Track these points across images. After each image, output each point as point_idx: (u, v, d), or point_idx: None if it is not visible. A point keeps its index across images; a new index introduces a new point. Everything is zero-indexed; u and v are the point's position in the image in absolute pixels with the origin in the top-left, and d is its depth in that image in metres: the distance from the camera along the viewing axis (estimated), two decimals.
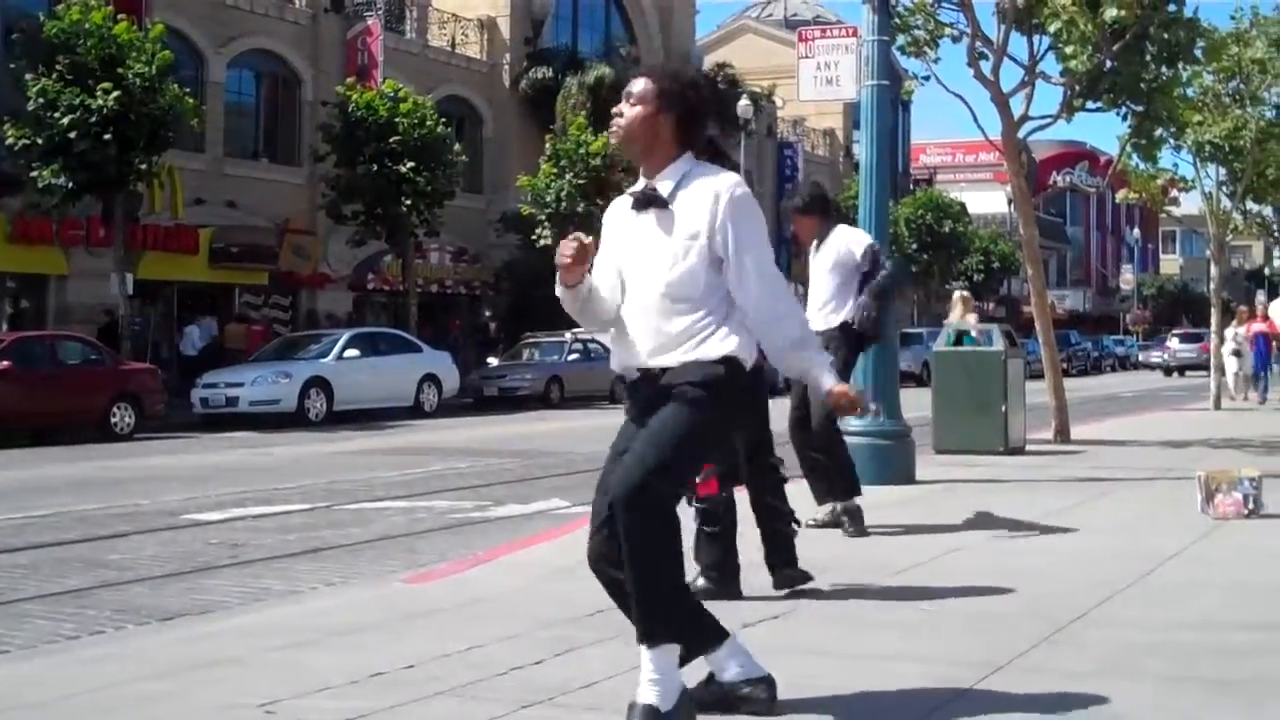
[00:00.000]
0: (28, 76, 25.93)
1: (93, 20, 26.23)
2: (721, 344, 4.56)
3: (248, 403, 26.08)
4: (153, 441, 22.52)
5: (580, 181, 38.44)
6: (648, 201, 4.68)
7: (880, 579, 7.16)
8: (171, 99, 26.59)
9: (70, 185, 25.93)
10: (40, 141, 25.77)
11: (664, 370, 4.58)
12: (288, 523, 11.27)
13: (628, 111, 4.70)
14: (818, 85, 14.24)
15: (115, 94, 25.52)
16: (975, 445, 14.70)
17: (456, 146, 35.73)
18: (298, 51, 37.84)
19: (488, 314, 42.01)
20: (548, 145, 39.40)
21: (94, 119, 25.52)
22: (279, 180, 36.80)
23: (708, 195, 4.58)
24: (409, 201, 33.19)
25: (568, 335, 35.74)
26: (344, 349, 28.15)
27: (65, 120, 25.51)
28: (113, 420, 23.04)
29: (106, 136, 25.65)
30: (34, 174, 26.01)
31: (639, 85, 4.70)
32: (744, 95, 48.34)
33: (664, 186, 4.67)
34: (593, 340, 36.19)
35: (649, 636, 4.39)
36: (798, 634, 5.97)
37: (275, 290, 36.65)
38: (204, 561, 9.18)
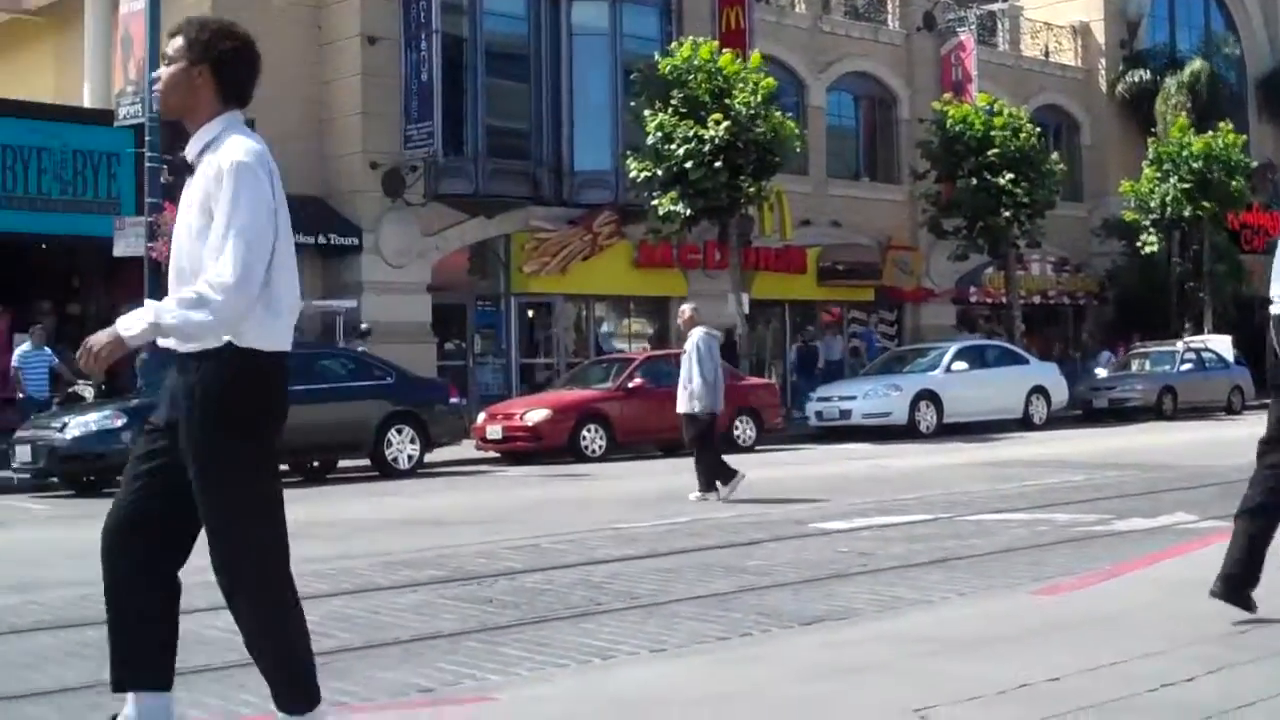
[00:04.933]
0: (646, 113, 27.69)
1: (701, 55, 27.68)
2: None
3: (860, 415, 26.75)
4: (772, 453, 23.49)
5: (1185, 185, 36.91)
6: (185, 167, 4.40)
7: None
8: (775, 125, 27.63)
9: (688, 212, 27.44)
10: (659, 173, 27.43)
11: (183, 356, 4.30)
12: (913, 533, 11.50)
13: (163, 72, 4.37)
14: None
15: (725, 124, 26.81)
16: None
17: (1054, 155, 35.20)
18: (893, 71, 38.35)
19: (1087, 327, 40.96)
20: (1149, 149, 38.10)
21: (706, 148, 26.92)
22: (880, 198, 37.42)
23: (214, 163, 4.25)
24: (1009, 213, 32.99)
25: (1179, 345, 34.46)
26: (952, 362, 28.32)
27: (681, 151, 27.05)
28: (735, 432, 24.18)
29: (718, 164, 26.99)
30: (655, 203, 27.73)
31: (173, 44, 4.37)
32: None
33: (194, 148, 4.37)
34: (1206, 349, 34.65)
35: None
36: None
37: (880, 306, 37.38)
38: (836, 569, 9.51)
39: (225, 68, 4.35)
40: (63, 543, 12.35)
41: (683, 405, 15.53)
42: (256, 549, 4.34)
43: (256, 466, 4.35)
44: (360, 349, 23.31)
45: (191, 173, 4.34)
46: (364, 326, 24.79)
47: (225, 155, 4.23)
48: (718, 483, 14.99)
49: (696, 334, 15.54)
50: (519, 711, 5.43)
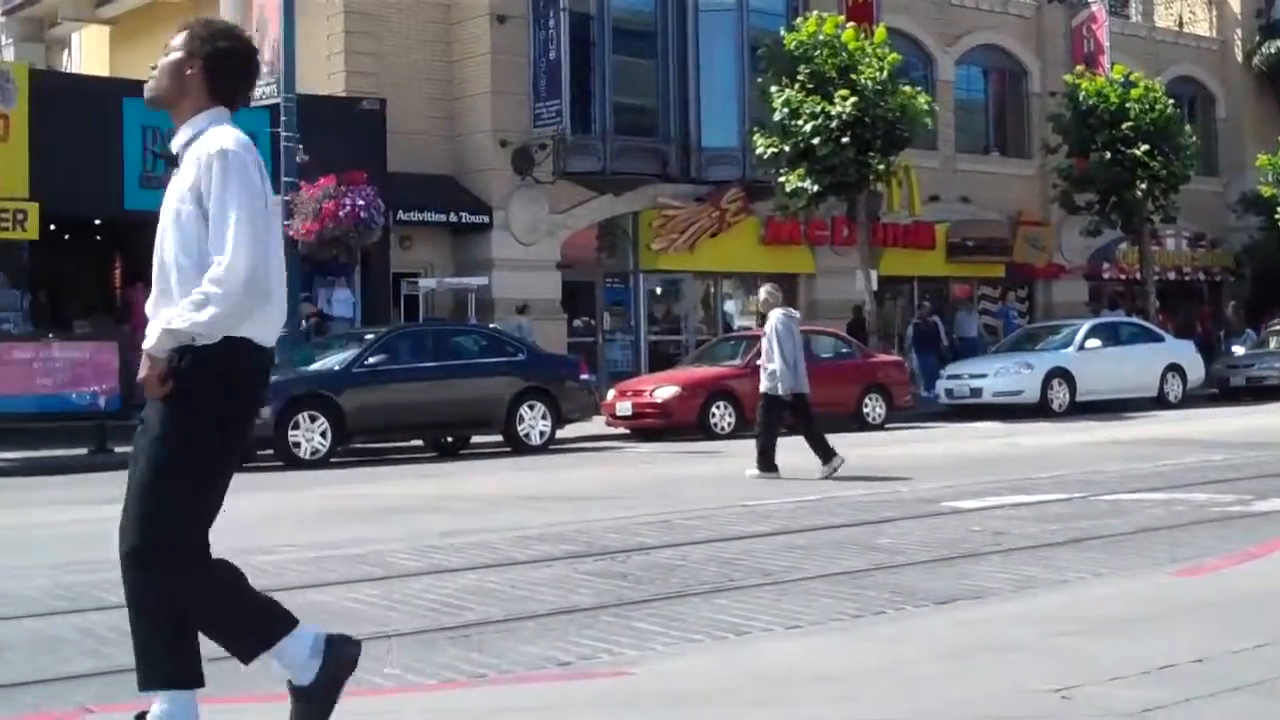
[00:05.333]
0: (772, 89, 27.59)
1: (826, 30, 27.51)
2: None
3: (991, 394, 26.48)
4: (903, 431, 23.37)
5: None
6: (172, 159, 4.38)
7: None
8: (903, 101, 27.38)
9: (815, 188, 27.28)
10: (786, 149, 27.31)
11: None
12: (1046, 512, 11.38)
13: (161, 62, 4.40)
14: None
15: (851, 100, 26.62)
16: None
17: (1188, 128, 34.51)
18: (1023, 44, 37.83)
19: (1232, 304, 40.09)
20: None
21: (834, 124, 26.73)
22: (1010, 173, 36.94)
23: (201, 152, 4.25)
24: (1144, 186, 32.40)
25: None
26: (1085, 339, 27.92)
27: (808, 127, 26.88)
28: (865, 410, 24.06)
29: (845, 140, 26.78)
30: (782, 179, 27.62)
31: (177, 37, 4.41)
32: None
33: (180, 140, 4.39)
34: None
35: None
36: None
37: (1011, 283, 36.93)
38: (969, 548, 9.45)
39: (218, 65, 4.41)
40: None
41: (763, 386, 15.64)
42: (177, 519, 4.20)
43: (217, 452, 4.29)
44: (521, 323, 24.40)
45: (178, 165, 4.39)
46: (520, 303, 26.11)
47: (212, 143, 4.28)
48: (759, 465, 15.20)
49: (775, 315, 15.54)
50: (655, 686, 5.50)
